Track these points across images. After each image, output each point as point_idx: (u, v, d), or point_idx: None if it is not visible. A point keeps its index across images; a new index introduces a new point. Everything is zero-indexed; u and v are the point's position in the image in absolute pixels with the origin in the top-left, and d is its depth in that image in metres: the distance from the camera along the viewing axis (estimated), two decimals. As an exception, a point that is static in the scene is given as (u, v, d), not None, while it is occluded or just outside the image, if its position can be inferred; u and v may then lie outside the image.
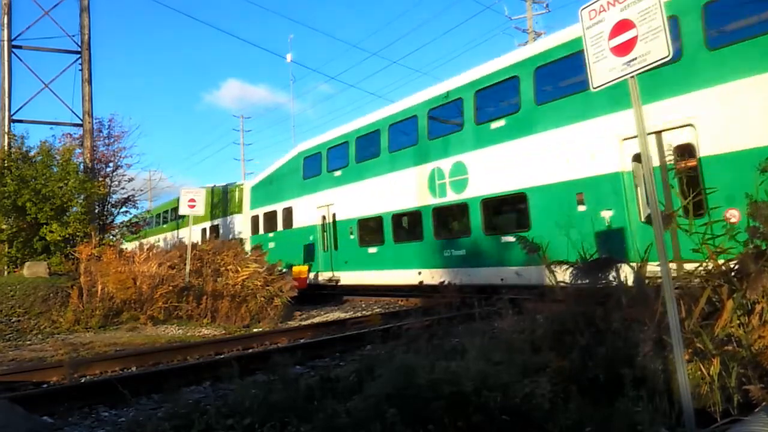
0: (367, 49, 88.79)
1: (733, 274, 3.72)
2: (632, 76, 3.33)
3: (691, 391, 3.16)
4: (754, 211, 3.87)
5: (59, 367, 6.29)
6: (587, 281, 4.27)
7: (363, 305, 14.55)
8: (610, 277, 4.22)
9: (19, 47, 15.91)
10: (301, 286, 17.23)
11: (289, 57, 27.80)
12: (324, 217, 16.19)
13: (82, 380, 6.03)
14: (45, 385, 5.92)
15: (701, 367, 3.54)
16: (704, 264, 3.95)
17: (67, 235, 13.60)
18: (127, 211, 17.15)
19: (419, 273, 12.58)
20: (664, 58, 3.15)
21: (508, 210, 11.11)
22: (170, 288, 11.25)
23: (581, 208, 9.11)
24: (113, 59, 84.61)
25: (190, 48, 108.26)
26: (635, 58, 3.27)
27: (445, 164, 12.01)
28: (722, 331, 3.63)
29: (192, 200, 12.79)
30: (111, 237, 16.11)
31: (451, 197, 11.91)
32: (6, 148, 14.33)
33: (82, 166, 15.11)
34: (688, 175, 6.77)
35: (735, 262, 3.77)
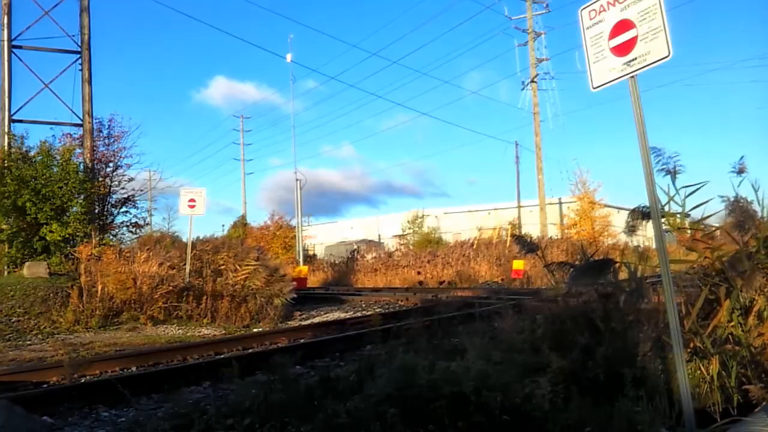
0: (367, 49, 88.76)
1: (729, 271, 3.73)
2: (632, 76, 3.33)
3: (691, 391, 3.17)
4: (734, 206, 3.88)
5: (59, 367, 6.28)
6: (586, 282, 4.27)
7: (363, 305, 14.56)
8: (609, 278, 4.21)
9: (19, 47, 15.90)
10: (301, 286, 17.24)
11: (289, 57, 27.69)
12: None
13: (82, 380, 6.03)
14: (45, 385, 5.92)
15: (701, 366, 3.55)
16: (700, 262, 3.96)
17: (67, 235, 13.59)
18: (127, 211, 17.13)
19: None
20: (664, 58, 3.16)
21: None
22: (170, 288, 11.26)
23: None
24: (111, 59, 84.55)
25: (183, 47, 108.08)
26: (635, 58, 3.27)
27: None
28: (719, 330, 3.63)
29: (192, 200, 12.76)
30: (110, 237, 16.09)
31: None
32: (6, 148, 14.32)
33: (82, 166, 15.10)
34: None
35: (728, 259, 3.78)
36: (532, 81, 29.51)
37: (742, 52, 70.66)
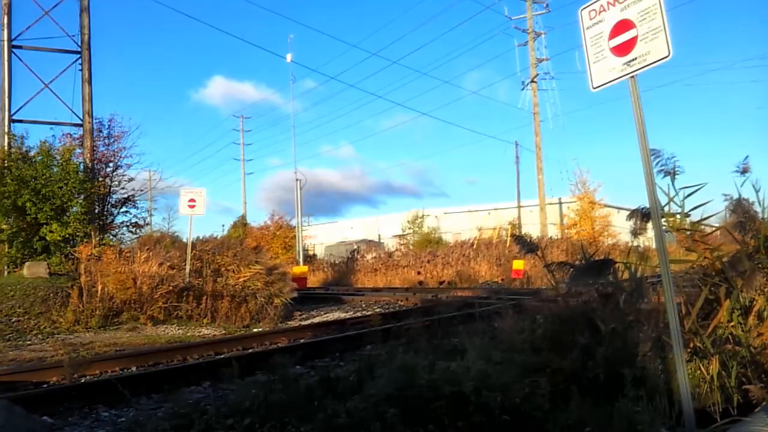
0: (367, 49, 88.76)
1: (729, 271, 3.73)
2: (632, 77, 3.33)
3: (691, 391, 3.16)
4: (736, 206, 3.88)
5: (59, 367, 6.28)
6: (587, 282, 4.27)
7: (363, 305, 14.56)
8: (609, 278, 4.21)
9: (19, 47, 15.90)
10: (301, 286, 17.25)
11: (289, 57, 27.69)
12: None
13: (82, 380, 6.03)
14: (45, 385, 5.92)
15: (701, 366, 3.55)
16: (700, 262, 3.96)
17: (67, 235, 13.59)
18: (127, 211, 17.13)
19: None
20: (663, 58, 3.15)
21: None
22: (170, 288, 11.26)
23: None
24: (111, 59, 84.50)
25: (182, 47, 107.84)
26: (635, 58, 3.27)
27: None
28: (719, 330, 3.63)
29: (192, 200, 12.77)
30: (110, 237, 16.10)
31: None
32: (6, 148, 14.32)
33: (82, 166, 15.10)
34: None
35: (728, 259, 3.77)
36: (532, 81, 29.51)
37: (742, 52, 70.68)
